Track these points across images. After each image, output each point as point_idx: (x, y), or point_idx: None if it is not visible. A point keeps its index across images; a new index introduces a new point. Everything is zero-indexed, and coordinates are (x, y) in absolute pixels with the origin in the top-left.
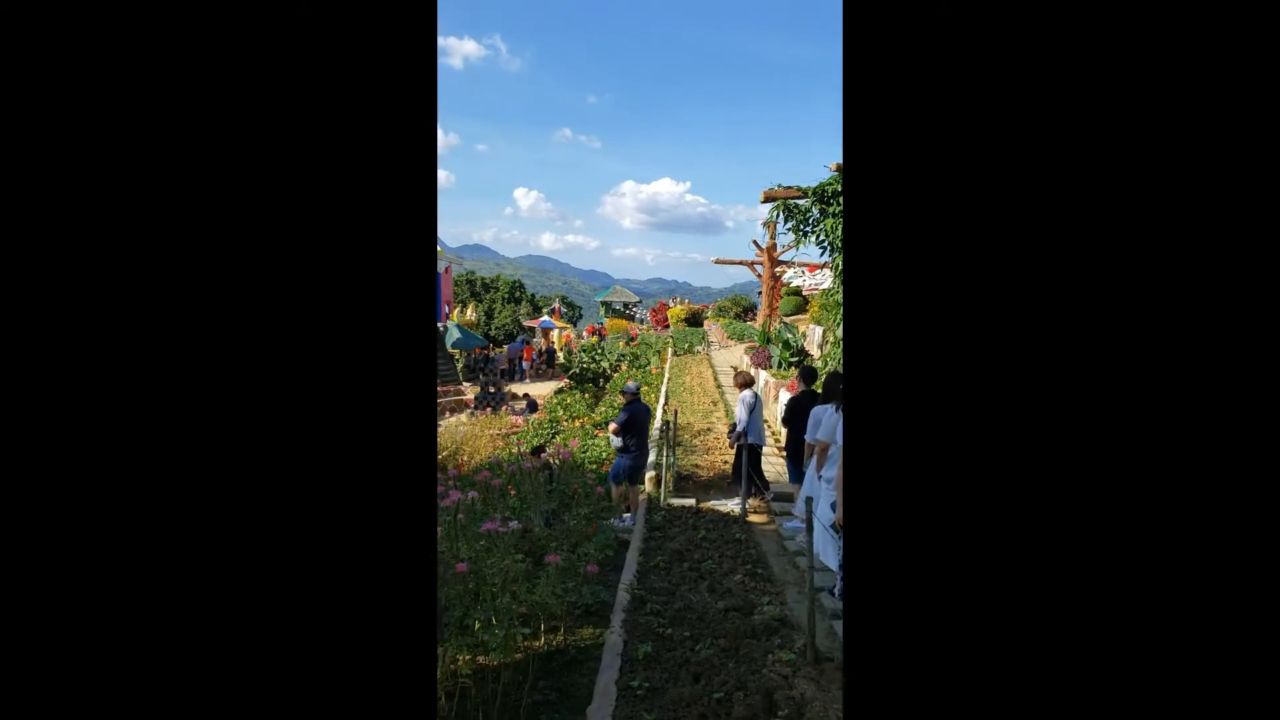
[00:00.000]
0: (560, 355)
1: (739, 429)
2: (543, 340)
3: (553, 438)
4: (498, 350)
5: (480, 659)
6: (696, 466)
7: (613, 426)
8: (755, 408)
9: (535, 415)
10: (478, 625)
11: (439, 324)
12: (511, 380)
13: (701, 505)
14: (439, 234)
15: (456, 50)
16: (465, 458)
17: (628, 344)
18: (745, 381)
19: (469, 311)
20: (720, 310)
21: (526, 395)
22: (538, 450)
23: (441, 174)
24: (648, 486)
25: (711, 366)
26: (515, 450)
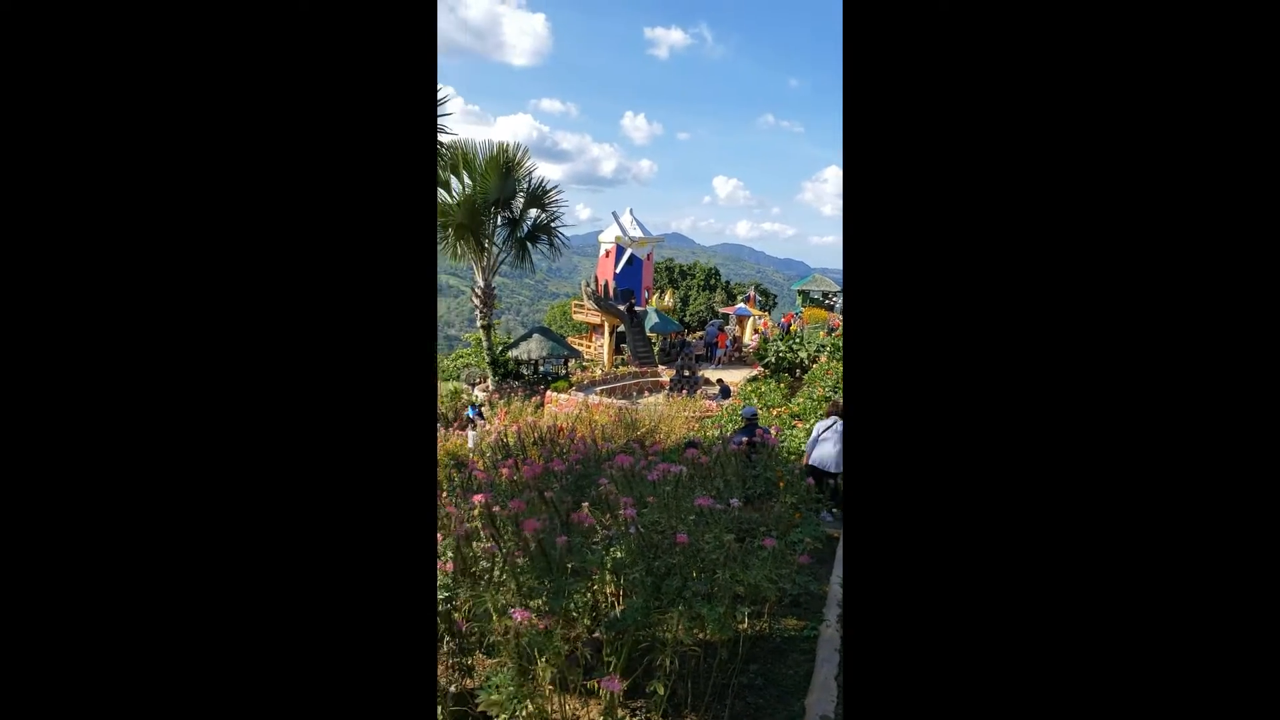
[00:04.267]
0: (755, 342)
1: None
2: (736, 327)
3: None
4: (693, 335)
5: (697, 632)
6: None
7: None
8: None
9: (729, 401)
10: (694, 598)
11: (640, 308)
12: (706, 365)
13: None
14: (643, 222)
15: (663, 40)
16: (661, 436)
17: (829, 334)
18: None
19: (666, 297)
20: None
21: (720, 381)
22: (748, 430)
23: (644, 163)
24: None
25: None
26: (713, 432)
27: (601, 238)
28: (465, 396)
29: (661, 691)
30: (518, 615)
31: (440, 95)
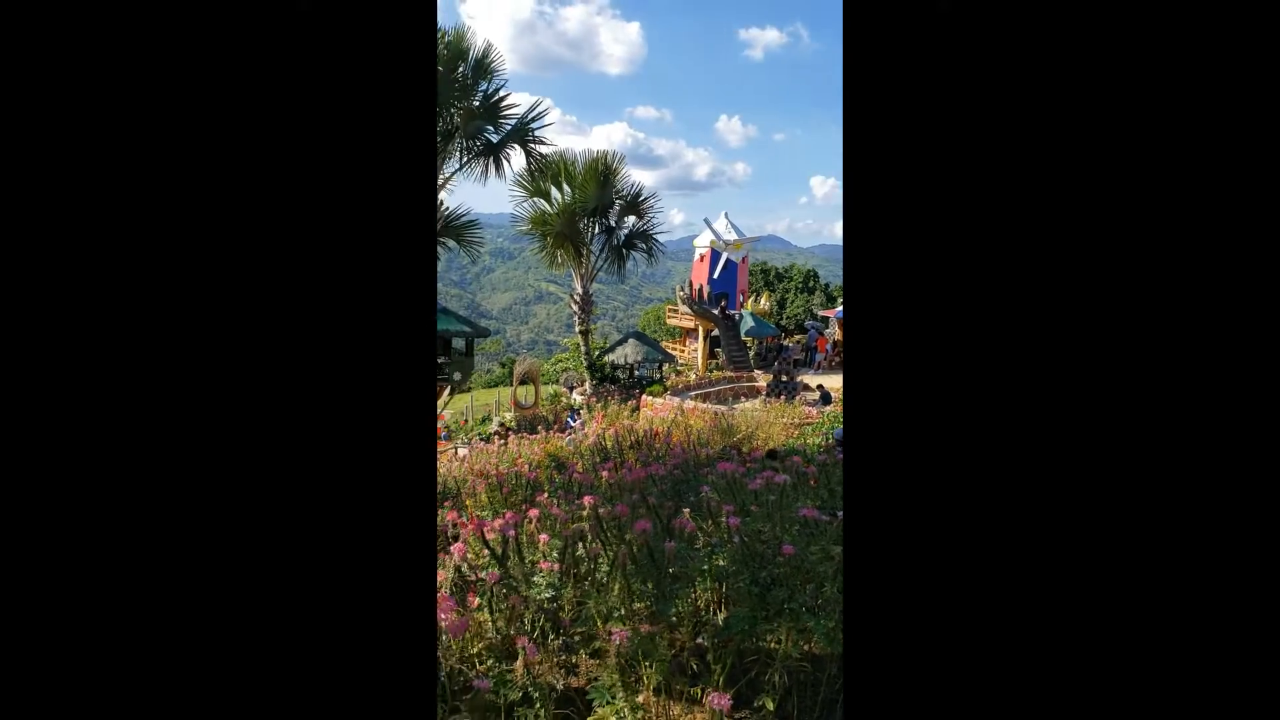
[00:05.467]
0: None
1: None
2: (837, 331)
3: None
4: (792, 339)
5: (803, 645)
6: None
7: None
8: None
9: (829, 408)
10: (803, 610)
11: (734, 311)
12: (805, 370)
13: None
14: (738, 225)
15: (758, 41)
16: (759, 443)
17: None
18: None
19: (762, 300)
20: None
21: (820, 386)
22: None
23: (739, 166)
24: None
25: None
26: (814, 440)
27: (696, 242)
28: (564, 399)
29: (771, 706)
30: (616, 636)
31: (540, 107)
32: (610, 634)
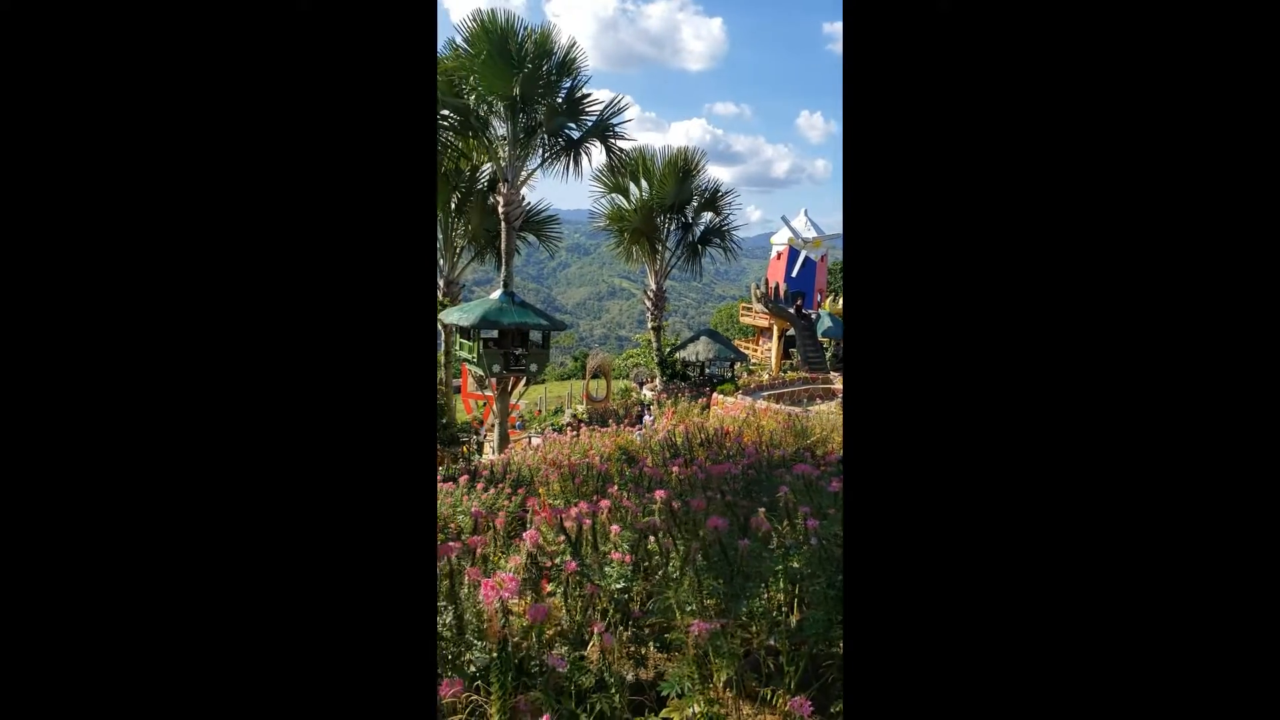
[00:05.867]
0: None
1: None
2: None
3: None
4: None
5: None
6: None
7: None
8: None
9: None
10: None
11: (810, 311)
12: None
13: None
14: (817, 222)
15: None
16: (834, 447)
17: None
18: None
19: (841, 300)
20: None
21: None
22: None
23: (819, 162)
24: None
25: None
26: None
27: (773, 239)
28: (634, 394)
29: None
30: (695, 628)
31: (620, 104)
32: (688, 627)
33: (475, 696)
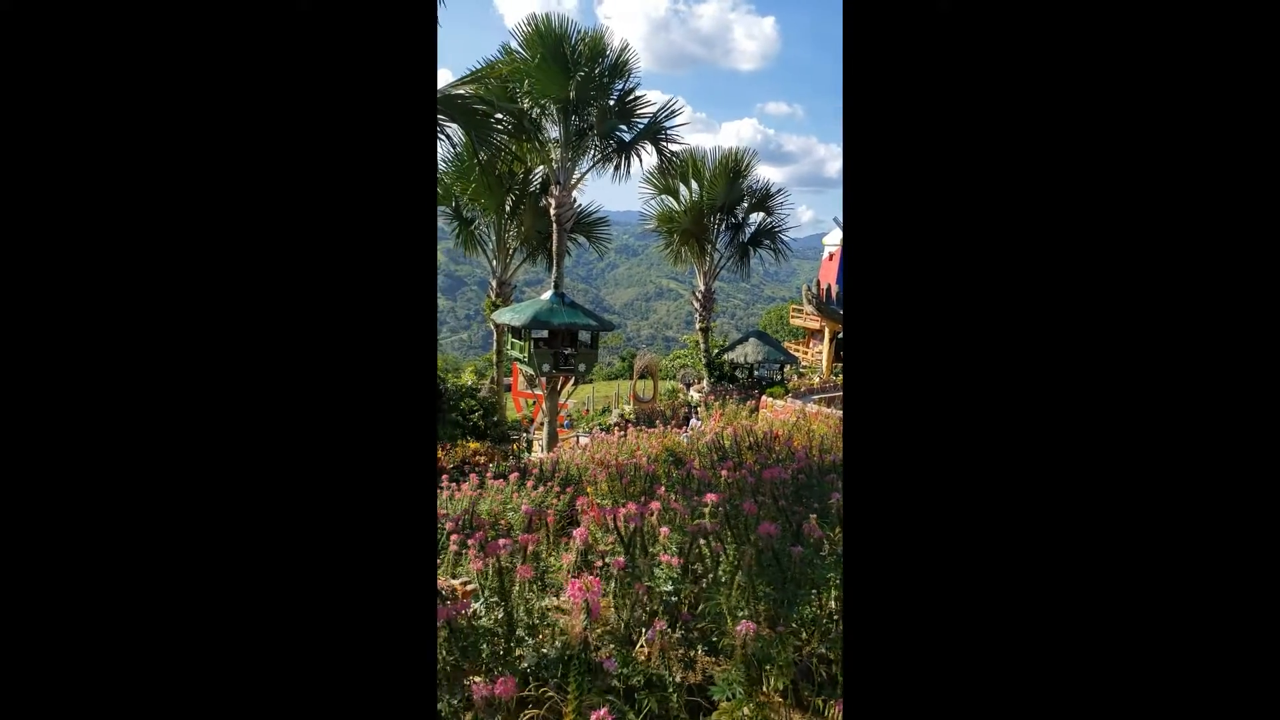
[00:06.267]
0: None
1: None
2: None
3: None
4: None
5: None
6: None
7: None
8: None
9: None
10: None
11: None
12: None
13: None
14: None
15: None
16: None
17: None
18: None
19: None
20: None
21: None
22: None
23: None
24: None
25: None
26: None
27: (825, 240)
28: (681, 395)
29: None
30: (743, 627)
31: (673, 106)
32: (736, 627)
33: (529, 693)
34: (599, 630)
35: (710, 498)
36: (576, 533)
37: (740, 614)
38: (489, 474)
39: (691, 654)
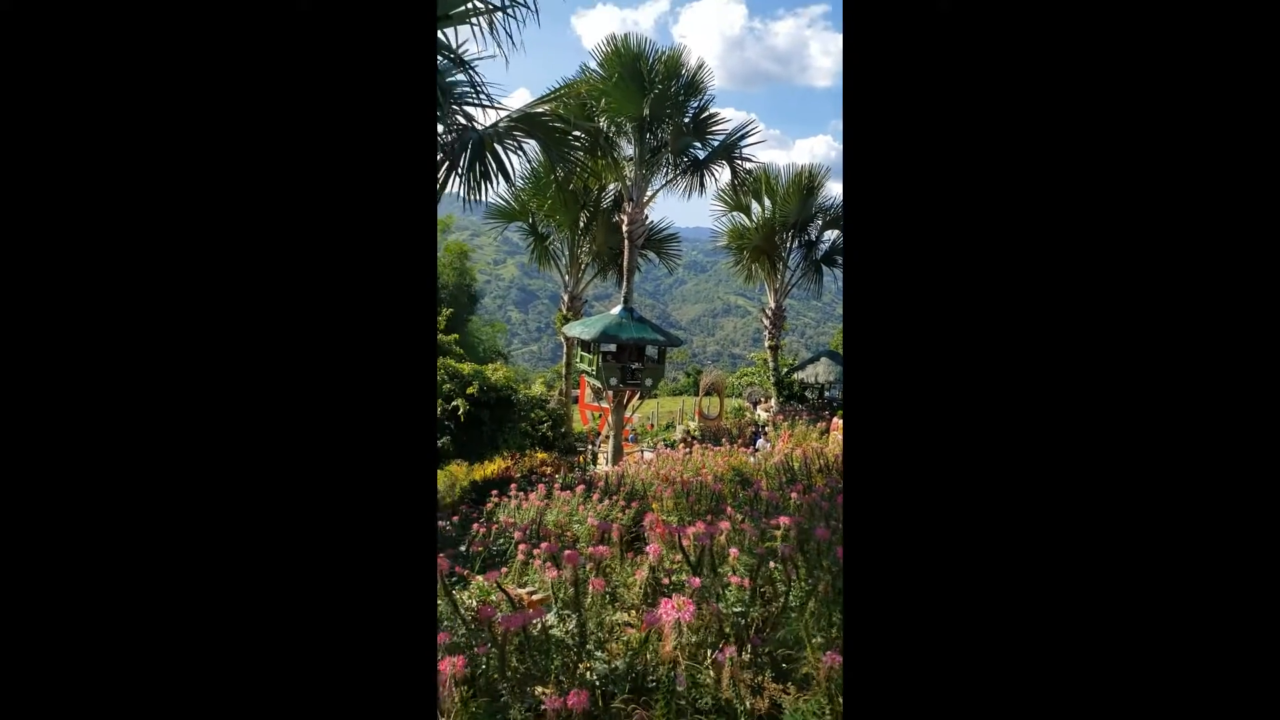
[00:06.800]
0: None
1: None
2: None
3: None
4: None
5: None
6: None
7: None
8: None
9: None
10: None
11: None
12: None
13: None
14: None
15: None
16: None
17: None
18: None
19: None
20: None
21: None
22: None
23: None
24: None
25: None
26: None
27: None
28: (748, 414)
29: None
30: (828, 658)
31: (749, 128)
32: (820, 659)
33: (597, 707)
34: (669, 648)
35: (783, 520)
36: (650, 549)
37: (816, 640)
38: (556, 485)
39: (759, 679)
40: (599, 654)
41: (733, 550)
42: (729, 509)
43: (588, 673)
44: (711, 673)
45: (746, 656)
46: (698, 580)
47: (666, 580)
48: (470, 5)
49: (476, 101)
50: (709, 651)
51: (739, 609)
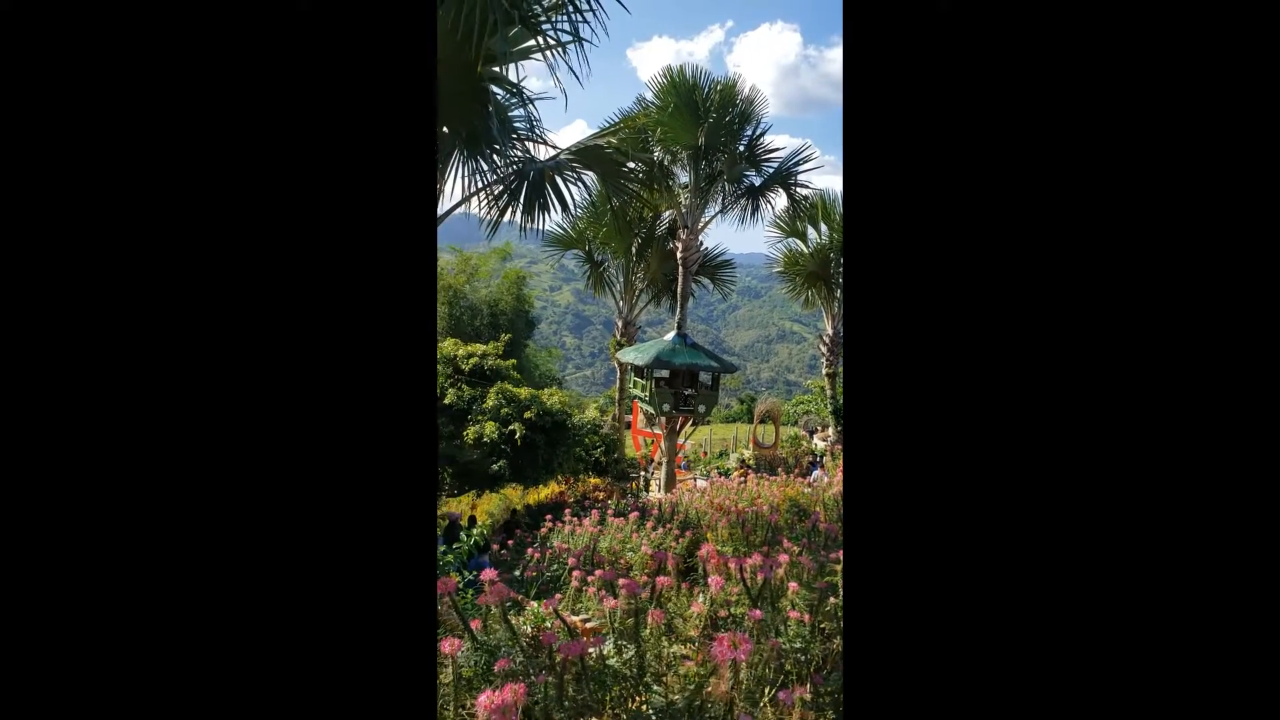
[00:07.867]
0: None
1: None
2: None
3: None
4: None
5: None
6: None
7: None
8: None
9: None
10: None
11: None
12: None
13: None
14: None
15: None
16: None
17: None
18: None
19: None
20: None
21: None
22: None
23: None
24: None
25: None
26: None
27: None
28: (804, 444)
29: None
30: None
31: (805, 155)
32: None
33: None
34: (724, 688)
35: (842, 554)
36: (712, 581)
37: None
38: (609, 511)
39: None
40: (656, 687)
41: (791, 584)
42: (786, 541)
43: (644, 705)
44: (770, 711)
45: (808, 695)
46: (759, 613)
47: (724, 613)
48: (537, 41)
49: (532, 137)
50: (768, 688)
51: (799, 644)
